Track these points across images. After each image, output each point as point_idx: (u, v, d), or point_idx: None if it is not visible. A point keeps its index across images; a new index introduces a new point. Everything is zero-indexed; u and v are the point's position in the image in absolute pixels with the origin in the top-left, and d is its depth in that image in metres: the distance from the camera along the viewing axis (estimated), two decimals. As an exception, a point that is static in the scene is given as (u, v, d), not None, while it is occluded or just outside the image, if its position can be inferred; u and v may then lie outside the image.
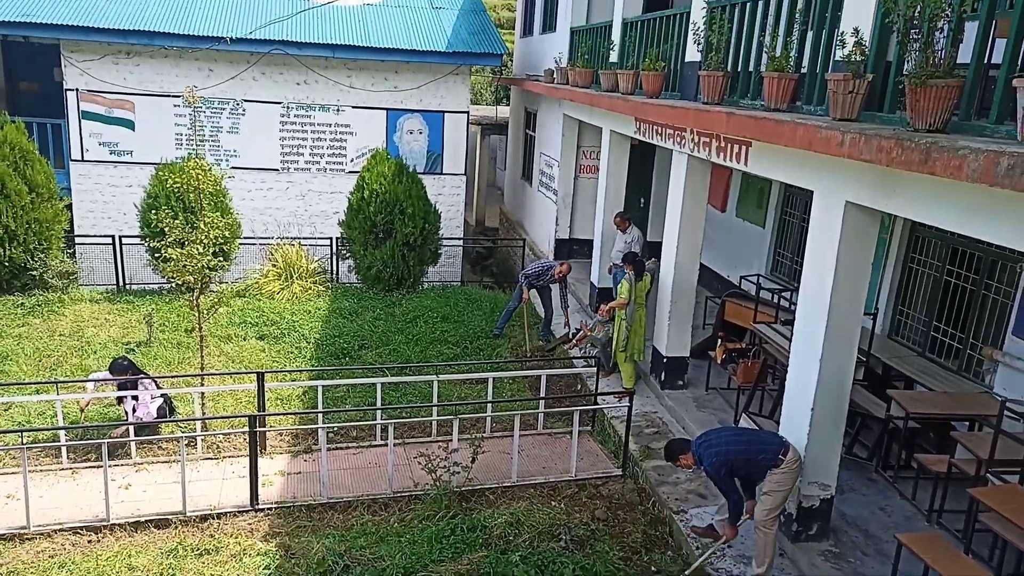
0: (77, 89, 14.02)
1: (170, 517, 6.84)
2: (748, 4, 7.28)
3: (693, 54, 8.20)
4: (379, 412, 8.47)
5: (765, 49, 6.67)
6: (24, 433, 7.79)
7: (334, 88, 14.96)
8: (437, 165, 15.74)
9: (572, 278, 11.50)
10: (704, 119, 7.21)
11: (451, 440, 7.53)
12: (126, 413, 8.11)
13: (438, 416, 8.50)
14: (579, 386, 9.91)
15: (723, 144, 7.42)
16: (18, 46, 15.59)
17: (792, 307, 8.42)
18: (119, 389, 8.12)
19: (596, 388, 9.00)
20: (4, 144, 11.66)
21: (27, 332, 10.60)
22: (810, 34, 6.32)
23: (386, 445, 7.53)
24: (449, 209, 15.49)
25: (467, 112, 15.79)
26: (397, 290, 12.98)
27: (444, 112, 15.52)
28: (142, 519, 6.80)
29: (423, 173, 14.34)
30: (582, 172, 14.44)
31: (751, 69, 7.15)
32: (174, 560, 6.26)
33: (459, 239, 15.85)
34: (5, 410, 8.55)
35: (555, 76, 13.53)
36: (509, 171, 20.10)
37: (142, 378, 8.16)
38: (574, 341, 10.58)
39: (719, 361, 8.82)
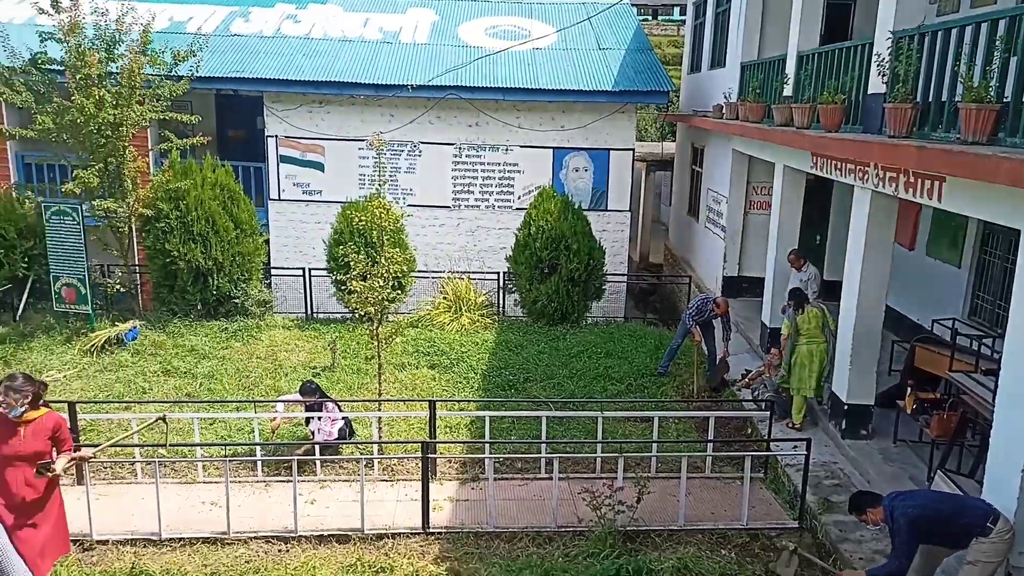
0: (276, 136, 15.53)
1: (350, 533, 7.28)
2: (940, 32, 6.86)
3: (877, 85, 7.82)
4: (544, 445, 8.59)
5: (960, 78, 6.24)
6: (227, 447, 8.63)
7: (504, 129, 15.57)
8: (602, 202, 15.88)
9: (742, 317, 11.15)
10: (891, 153, 6.85)
11: (616, 478, 7.49)
12: (312, 433, 8.76)
13: (602, 453, 8.49)
14: (750, 430, 9.54)
15: (912, 179, 6.98)
16: (227, 98, 17.48)
17: (994, 355, 7.69)
18: (306, 410, 8.79)
19: (769, 433, 8.62)
20: (215, 185, 13.09)
21: (229, 354, 11.74)
22: (1013, 60, 5.85)
23: (550, 478, 7.63)
24: (613, 245, 15.57)
25: (632, 149, 15.88)
26: (561, 325, 13.16)
27: (609, 149, 15.70)
28: (325, 533, 7.29)
29: (588, 210, 14.51)
30: (752, 208, 14.02)
31: (943, 100, 6.71)
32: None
33: (623, 275, 15.85)
34: (210, 424, 9.49)
35: (724, 111, 13.30)
36: (674, 207, 19.86)
37: (327, 401, 8.80)
38: (745, 381, 10.22)
39: (909, 411, 8.16)
